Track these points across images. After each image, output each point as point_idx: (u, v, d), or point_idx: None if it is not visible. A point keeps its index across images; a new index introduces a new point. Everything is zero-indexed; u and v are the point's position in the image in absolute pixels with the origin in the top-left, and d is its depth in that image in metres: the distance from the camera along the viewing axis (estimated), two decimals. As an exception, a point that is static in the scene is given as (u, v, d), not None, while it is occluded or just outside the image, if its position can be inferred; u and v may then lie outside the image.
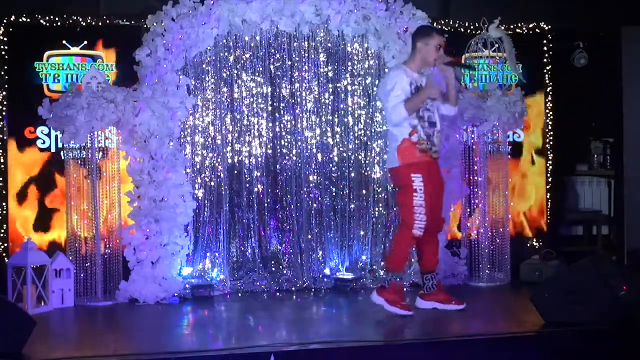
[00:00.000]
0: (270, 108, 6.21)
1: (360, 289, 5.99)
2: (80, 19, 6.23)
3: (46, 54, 6.23)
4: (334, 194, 6.29)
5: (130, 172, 5.74)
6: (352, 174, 6.31)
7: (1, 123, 6.12)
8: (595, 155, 7.71)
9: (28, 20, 6.17)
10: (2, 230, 6.09)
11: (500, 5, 6.87)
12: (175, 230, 5.72)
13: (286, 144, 6.22)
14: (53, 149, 6.19)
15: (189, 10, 5.85)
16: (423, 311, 5.15)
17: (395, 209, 6.34)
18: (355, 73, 6.30)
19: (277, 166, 6.24)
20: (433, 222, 5.04)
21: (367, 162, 6.34)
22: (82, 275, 5.61)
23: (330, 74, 6.28)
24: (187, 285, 5.76)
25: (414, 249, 5.22)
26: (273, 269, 6.15)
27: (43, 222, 6.16)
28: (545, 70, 7.06)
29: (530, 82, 6.87)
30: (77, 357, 4.12)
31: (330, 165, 6.29)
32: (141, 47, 5.80)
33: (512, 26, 6.89)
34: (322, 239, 6.22)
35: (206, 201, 6.05)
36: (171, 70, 5.79)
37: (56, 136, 6.13)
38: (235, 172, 6.16)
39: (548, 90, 7.06)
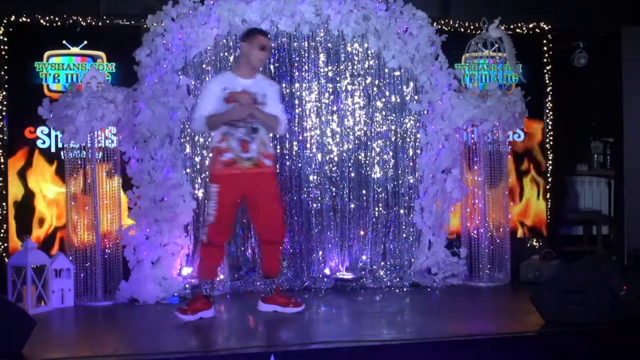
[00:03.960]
0: (270, 108, 6.20)
1: (360, 289, 6.00)
2: (80, 19, 6.23)
3: (46, 54, 6.23)
4: (334, 194, 6.29)
5: (130, 172, 5.74)
6: (352, 174, 6.30)
7: (1, 123, 6.12)
8: (595, 155, 7.71)
9: (28, 20, 6.18)
10: (2, 230, 6.09)
11: (500, 5, 6.87)
12: (175, 230, 5.72)
13: (286, 144, 6.22)
14: (53, 149, 6.19)
15: (189, 10, 5.86)
16: (422, 312, 5.16)
17: (395, 209, 6.34)
18: (355, 73, 6.29)
19: (277, 166, 6.23)
20: (266, 230, 5.07)
21: (367, 162, 6.34)
22: (82, 275, 5.61)
23: (330, 74, 6.27)
24: (187, 285, 5.76)
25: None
26: (273, 269, 6.15)
27: (43, 222, 6.18)
28: (545, 70, 7.07)
29: (530, 82, 6.89)
30: (77, 357, 4.13)
31: (330, 165, 6.29)
32: (141, 47, 5.80)
33: (512, 26, 6.89)
34: (322, 239, 6.21)
35: (206, 201, 6.04)
36: (171, 70, 5.79)
37: (56, 136, 6.13)
38: (235, 172, 6.15)
39: (548, 90, 7.07)
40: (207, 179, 5.21)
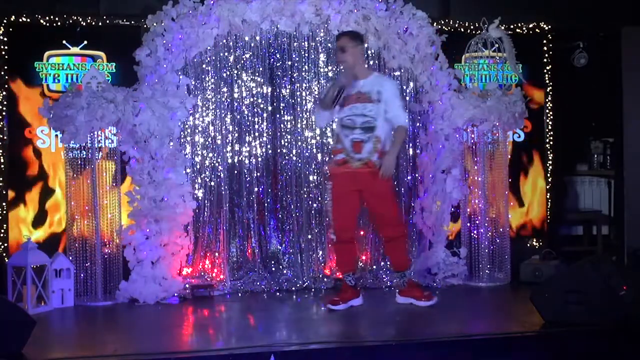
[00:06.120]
0: (270, 108, 6.20)
1: (360, 288, 5.98)
2: (80, 19, 6.23)
3: (46, 54, 6.23)
4: (334, 194, 6.28)
5: (130, 172, 5.74)
6: (352, 174, 6.30)
7: (1, 123, 6.12)
8: (595, 155, 7.71)
9: (28, 20, 6.18)
10: (2, 230, 6.09)
11: (500, 5, 6.87)
12: (175, 230, 5.72)
13: (286, 144, 6.22)
14: (53, 149, 6.19)
15: (189, 10, 5.86)
16: (423, 312, 5.17)
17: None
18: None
19: (277, 166, 6.23)
20: (383, 228, 5.29)
21: (367, 162, 6.33)
22: (82, 275, 5.61)
23: (330, 74, 6.27)
24: (187, 285, 5.77)
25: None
26: (273, 269, 6.15)
27: (42, 221, 6.18)
28: (545, 70, 7.07)
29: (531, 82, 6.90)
30: (77, 357, 4.13)
31: (331, 165, 6.29)
32: (141, 47, 5.80)
33: (512, 26, 6.89)
34: (322, 239, 6.21)
35: (206, 201, 6.05)
36: (171, 70, 5.79)
37: (56, 136, 6.13)
38: (235, 172, 6.16)
39: (548, 90, 7.07)
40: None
